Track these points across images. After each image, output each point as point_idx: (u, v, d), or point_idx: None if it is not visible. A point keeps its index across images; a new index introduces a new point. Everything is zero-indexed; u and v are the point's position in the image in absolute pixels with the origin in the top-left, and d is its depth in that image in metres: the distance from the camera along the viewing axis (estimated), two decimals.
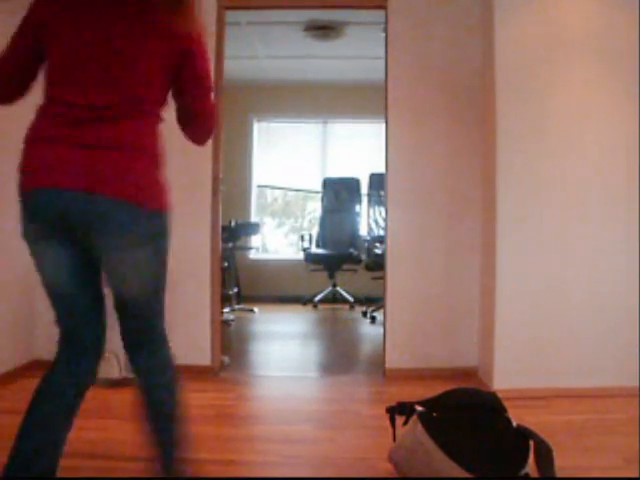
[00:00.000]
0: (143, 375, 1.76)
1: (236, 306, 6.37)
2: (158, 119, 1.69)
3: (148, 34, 1.59)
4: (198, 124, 1.76)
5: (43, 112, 1.63)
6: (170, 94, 1.71)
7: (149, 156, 1.63)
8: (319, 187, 7.39)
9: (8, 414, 2.99)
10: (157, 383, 1.76)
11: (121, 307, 1.74)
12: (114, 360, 3.36)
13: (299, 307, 6.74)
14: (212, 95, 1.73)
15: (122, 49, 1.58)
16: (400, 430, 2.27)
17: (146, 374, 1.76)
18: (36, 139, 1.64)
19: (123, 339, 1.79)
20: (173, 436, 1.77)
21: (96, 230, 1.61)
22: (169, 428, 1.77)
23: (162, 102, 1.69)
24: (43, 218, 1.68)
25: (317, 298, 6.75)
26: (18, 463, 1.69)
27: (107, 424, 2.81)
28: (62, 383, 1.83)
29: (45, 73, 1.63)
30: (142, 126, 1.63)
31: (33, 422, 1.76)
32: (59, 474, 2.24)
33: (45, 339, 3.82)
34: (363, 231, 7.10)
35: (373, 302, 6.06)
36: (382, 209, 6.19)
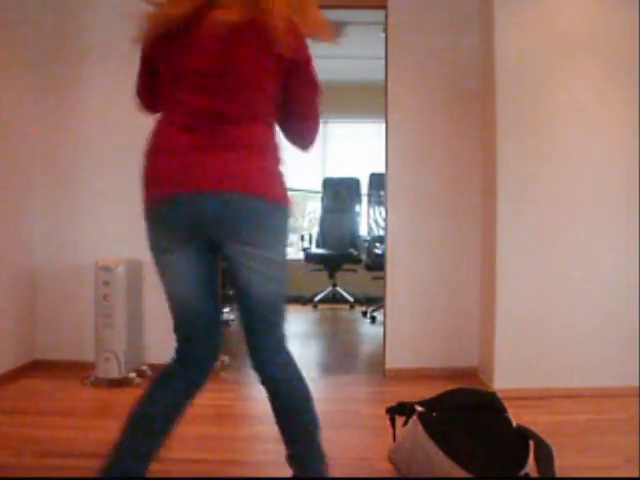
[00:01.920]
0: (271, 376, 1.87)
1: (236, 306, 6.36)
2: (273, 123, 1.77)
3: (261, 51, 1.65)
4: (309, 127, 1.88)
5: (166, 123, 1.71)
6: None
7: (271, 154, 1.73)
8: (319, 187, 7.39)
9: (8, 414, 3.00)
10: (287, 377, 1.90)
11: (250, 308, 1.80)
12: (114, 360, 3.36)
13: (299, 307, 6.74)
14: (319, 104, 1.82)
15: (237, 67, 1.65)
16: (400, 430, 2.27)
17: (276, 373, 1.88)
18: (163, 148, 1.68)
19: (251, 346, 1.85)
20: (313, 426, 1.86)
21: (232, 227, 1.67)
22: (309, 418, 1.86)
23: (275, 109, 1.75)
24: (182, 225, 1.68)
25: (317, 298, 6.75)
26: (116, 468, 1.72)
27: (107, 424, 2.80)
28: (176, 390, 1.81)
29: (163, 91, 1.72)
30: (262, 129, 1.71)
31: (138, 427, 1.77)
32: (59, 474, 2.25)
33: (45, 339, 3.82)
34: (363, 231, 7.09)
35: (373, 302, 6.06)
36: (382, 209, 6.19)
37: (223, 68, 1.63)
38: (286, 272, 1.80)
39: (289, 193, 1.76)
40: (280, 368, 1.86)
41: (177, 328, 1.80)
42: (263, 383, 1.85)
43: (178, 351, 1.81)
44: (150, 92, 1.80)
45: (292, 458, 1.87)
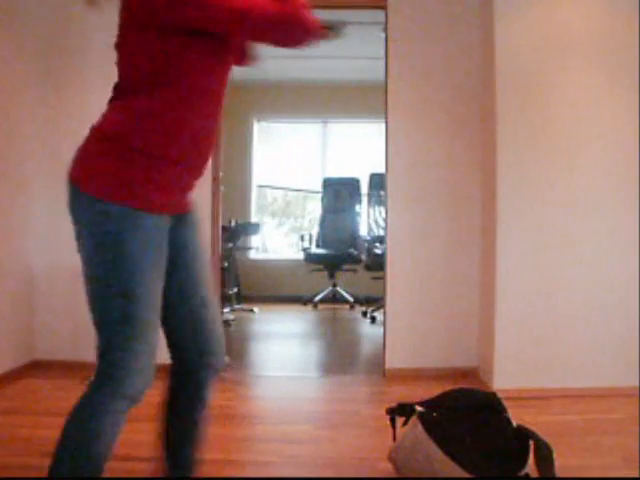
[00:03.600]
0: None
1: (236, 306, 6.37)
2: (141, 103, 1.48)
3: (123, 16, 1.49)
4: (269, 39, 1.53)
5: None
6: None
7: (101, 138, 1.49)
8: (319, 187, 7.39)
9: (8, 414, 3.00)
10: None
11: None
12: None
13: (299, 307, 6.74)
14: (247, 14, 1.42)
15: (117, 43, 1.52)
16: (400, 430, 2.27)
17: None
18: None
19: None
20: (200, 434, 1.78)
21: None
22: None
23: (139, 80, 1.49)
24: None
25: (317, 298, 6.75)
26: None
27: None
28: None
29: None
30: (112, 111, 1.53)
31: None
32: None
33: (45, 339, 3.83)
34: (363, 231, 7.10)
35: (373, 302, 6.06)
36: (382, 209, 6.19)
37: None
38: (92, 282, 1.51)
39: (108, 183, 1.45)
40: None
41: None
42: None
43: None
44: None
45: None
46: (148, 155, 1.47)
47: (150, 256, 1.48)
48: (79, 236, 1.49)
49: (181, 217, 1.64)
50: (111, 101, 1.56)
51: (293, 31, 1.51)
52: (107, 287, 1.48)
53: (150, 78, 1.47)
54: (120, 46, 1.50)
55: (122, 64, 1.51)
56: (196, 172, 1.60)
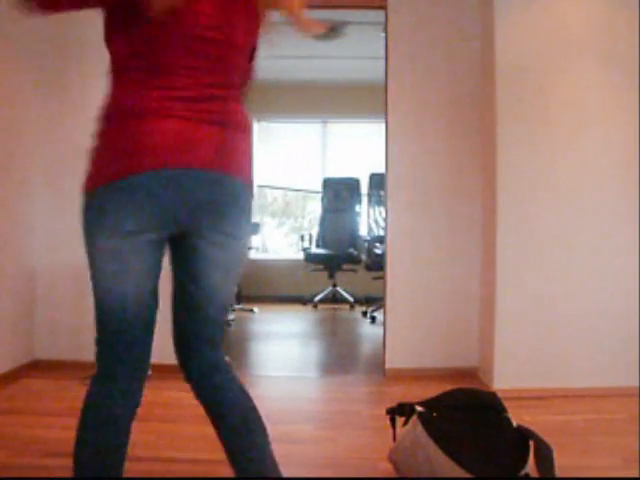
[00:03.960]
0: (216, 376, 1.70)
1: (236, 306, 6.37)
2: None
3: (253, 17, 1.57)
4: None
5: (140, 84, 1.42)
6: None
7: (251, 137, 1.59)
8: (319, 187, 7.39)
9: (8, 414, 3.00)
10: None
11: (204, 304, 1.58)
12: None
13: (299, 307, 6.74)
14: None
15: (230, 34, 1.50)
16: (400, 430, 2.27)
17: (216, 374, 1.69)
18: (144, 113, 1.40)
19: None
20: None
21: (222, 216, 1.49)
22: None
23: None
24: (159, 205, 1.40)
25: (317, 298, 6.75)
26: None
27: None
28: (122, 407, 1.51)
29: (135, 40, 1.43)
30: (243, 108, 1.57)
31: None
32: (58, 474, 2.24)
33: (45, 339, 3.83)
34: (363, 231, 7.10)
35: (373, 302, 6.06)
36: (382, 209, 6.19)
37: (220, 34, 1.47)
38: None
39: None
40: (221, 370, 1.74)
41: (120, 331, 1.53)
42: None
43: (118, 358, 1.55)
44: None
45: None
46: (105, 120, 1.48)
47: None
48: (246, 235, 1.61)
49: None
50: None
51: None
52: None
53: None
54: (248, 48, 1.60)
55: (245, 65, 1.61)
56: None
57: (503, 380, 3.35)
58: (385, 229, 3.94)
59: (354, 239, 7.07)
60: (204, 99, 1.45)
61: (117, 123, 1.43)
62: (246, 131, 1.54)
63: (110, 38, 1.49)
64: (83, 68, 3.80)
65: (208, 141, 1.43)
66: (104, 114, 1.48)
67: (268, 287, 7.13)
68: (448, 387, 2.37)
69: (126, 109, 1.42)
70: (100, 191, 1.40)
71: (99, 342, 1.58)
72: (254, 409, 1.65)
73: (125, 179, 1.38)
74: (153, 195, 1.39)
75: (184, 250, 1.52)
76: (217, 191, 1.46)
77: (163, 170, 1.38)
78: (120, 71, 1.47)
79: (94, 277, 1.51)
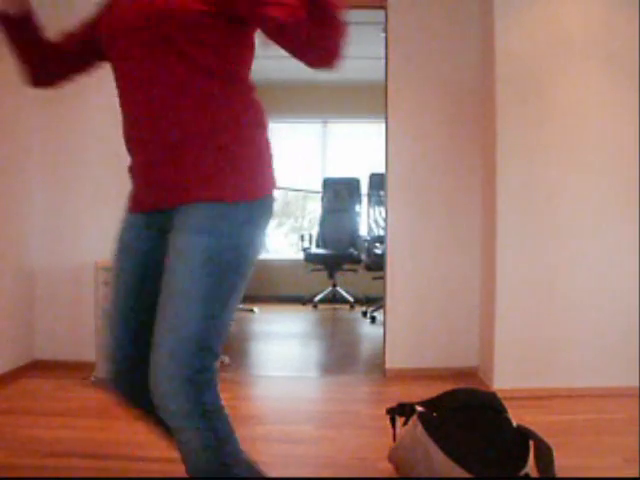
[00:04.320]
0: None
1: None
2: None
3: None
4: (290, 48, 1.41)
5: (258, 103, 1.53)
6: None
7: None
8: (319, 187, 7.39)
9: (8, 414, 3.00)
10: None
11: None
12: None
13: (299, 307, 6.74)
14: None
15: None
16: (400, 430, 2.27)
17: None
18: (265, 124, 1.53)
19: None
20: None
21: None
22: None
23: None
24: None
25: (317, 298, 6.75)
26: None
27: (107, 424, 2.81)
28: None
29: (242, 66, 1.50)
30: None
31: None
32: (59, 474, 2.24)
33: (45, 339, 3.82)
34: (363, 231, 7.09)
35: (373, 302, 6.06)
36: (382, 209, 6.19)
37: None
38: None
39: None
40: None
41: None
42: None
43: None
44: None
45: None
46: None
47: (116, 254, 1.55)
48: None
49: (170, 216, 1.45)
50: None
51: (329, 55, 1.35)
52: None
53: None
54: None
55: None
56: (140, 159, 1.49)
57: (503, 380, 3.35)
58: (385, 229, 3.94)
59: (354, 239, 7.06)
60: None
61: (262, 131, 1.51)
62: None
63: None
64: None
65: None
66: (249, 120, 1.48)
67: (268, 287, 7.13)
68: (448, 387, 2.37)
69: (257, 119, 1.50)
70: (263, 201, 1.48)
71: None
72: None
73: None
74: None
75: None
76: None
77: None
78: (235, 81, 1.48)
79: (232, 296, 1.46)
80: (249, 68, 1.51)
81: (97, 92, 3.76)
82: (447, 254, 3.82)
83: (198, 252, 1.36)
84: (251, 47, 1.52)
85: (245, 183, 1.42)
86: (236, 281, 1.41)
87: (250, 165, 1.44)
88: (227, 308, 1.43)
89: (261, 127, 1.50)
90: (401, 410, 2.28)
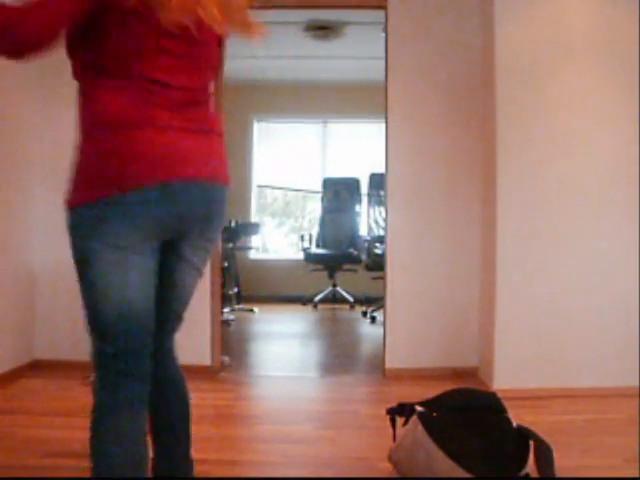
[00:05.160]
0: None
1: (236, 306, 6.37)
2: None
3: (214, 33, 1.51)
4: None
5: (120, 92, 1.39)
6: None
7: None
8: (319, 187, 7.39)
9: (8, 414, 3.00)
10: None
11: (174, 308, 1.65)
12: None
13: (299, 307, 6.74)
14: None
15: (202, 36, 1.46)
16: (400, 430, 2.27)
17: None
18: (131, 124, 1.38)
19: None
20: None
21: (215, 223, 1.60)
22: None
23: None
24: (159, 217, 1.42)
25: (317, 298, 6.75)
26: None
27: None
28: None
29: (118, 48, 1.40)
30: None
31: None
32: (59, 474, 2.24)
33: (45, 339, 3.83)
34: (363, 231, 7.10)
35: (373, 302, 6.06)
36: (382, 209, 6.19)
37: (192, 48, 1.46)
38: None
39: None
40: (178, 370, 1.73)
41: (126, 341, 1.52)
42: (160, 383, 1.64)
43: (123, 367, 1.55)
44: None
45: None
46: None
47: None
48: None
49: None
50: None
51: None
52: None
53: None
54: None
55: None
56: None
57: (503, 380, 3.35)
58: (385, 229, 3.94)
59: (354, 239, 7.07)
60: (187, 104, 1.46)
61: (105, 134, 1.38)
62: (222, 135, 1.60)
63: (78, 45, 1.44)
64: None
65: (199, 152, 1.47)
66: (89, 123, 1.42)
67: (268, 287, 7.13)
68: (448, 387, 2.37)
69: (112, 119, 1.38)
70: (96, 204, 1.38)
71: (101, 352, 1.61)
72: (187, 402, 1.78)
73: (122, 195, 1.36)
74: (150, 210, 1.39)
75: (168, 255, 1.54)
76: (208, 201, 1.53)
77: (158, 185, 1.39)
78: (93, 78, 1.42)
79: (92, 288, 1.45)
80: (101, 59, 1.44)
81: None
82: (447, 254, 3.82)
83: None
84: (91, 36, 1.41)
85: (74, 187, 1.43)
86: (81, 276, 1.46)
87: (81, 170, 1.42)
88: (85, 297, 1.48)
89: (101, 130, 1.40)
90: (401, 410, 2.28)
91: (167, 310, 1.61)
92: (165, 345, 1.68)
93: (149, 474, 1.58)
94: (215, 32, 1.48)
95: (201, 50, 1.49)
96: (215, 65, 1.59)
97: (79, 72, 1.46)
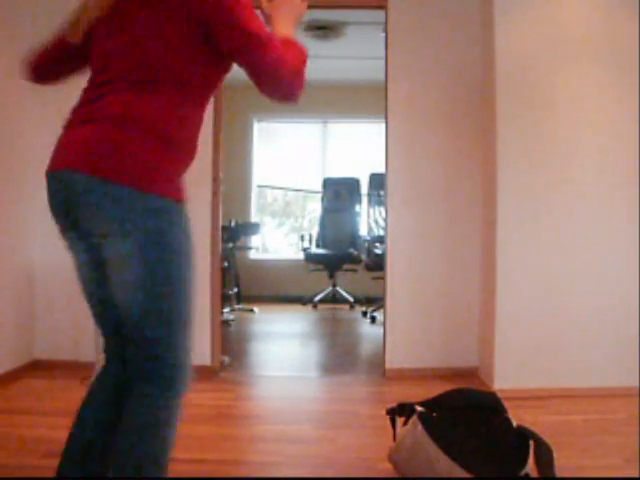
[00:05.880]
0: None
1: (236, 306, 6.37)
2: (172, 95, 1.47)
3: (159, 12, 1.45)
4: (261, 82, 1.45)
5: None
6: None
7: (142, 129, 1.41)
8: (319, 187, 7.39)
9: (8, 414, 3.00)
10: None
11: (108, 305, 1.56)
12: None
13: (299, 307, 6.74)
14: (261, 45, 1.42)
15: (133, 29, 1.47)
16: (400, 430, 2.27)
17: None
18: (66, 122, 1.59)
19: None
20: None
21: (79, 214, 1.49)
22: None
23: (178, 78, 1.48)
24: (53, 206, 1.60)
25: (317, 298, 6.75)
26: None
27: None
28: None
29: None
30: (141, 99, 1.44)
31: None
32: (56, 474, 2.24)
33: (45, 339, 3.82)
34: (363, 231, 7.10)
35: (373, 302, 6.06)
36: (382, 209, 6.19)
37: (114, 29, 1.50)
38: (157, 288, 1.45)
39: (163, 180, 1.45)
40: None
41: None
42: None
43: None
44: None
45: None
46: (177, 145, 1.49)
47: (190, 249, 1.51)
48: (113, 233, 1.42)
49: None
50: (116, 87, 1.47)
51: (289, 89, 1.49)
52: (169, 286, 1.46)
53: (178, 74, 1.48)
54: (150, 37, 1.46)
55: (152, 54, 1.46)
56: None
57: (503, 380, 3.35)
58: (385, 229, 3.94)
59: (354, 239, 7.07)
60: (92, 100, 1.51)
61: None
62: (108, 121, 1.43)
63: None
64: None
65: (66, 143, 1.49)
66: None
67: (268, 287, 7.13)
68: (448, 387, 2.37)
69: None
70: None
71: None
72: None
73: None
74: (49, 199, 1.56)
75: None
76: (65, 191, 1.48)
77: (48, 174, 1.52)
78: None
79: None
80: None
81: None
82: (447, 254, 3.82)
83: None
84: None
85: None
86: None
87: None
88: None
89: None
90: (401, 410, 2.28)
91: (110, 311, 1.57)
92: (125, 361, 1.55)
93: None
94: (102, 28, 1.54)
95: (103, 46, 1.53)
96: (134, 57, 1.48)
97: None
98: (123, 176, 1.39)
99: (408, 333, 3.82)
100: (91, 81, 1.56)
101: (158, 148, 1.43)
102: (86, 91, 1.56)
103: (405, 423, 2.24)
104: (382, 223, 6.10)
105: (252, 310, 6.42)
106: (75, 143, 1.45)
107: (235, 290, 6.47)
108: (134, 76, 1.46)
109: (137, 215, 1.40)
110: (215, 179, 3.78)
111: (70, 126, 1.52)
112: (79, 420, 1.59)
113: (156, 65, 1.46)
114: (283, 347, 4.90)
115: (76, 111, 1.54)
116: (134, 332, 1.48)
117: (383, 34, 3.91)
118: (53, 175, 1.49)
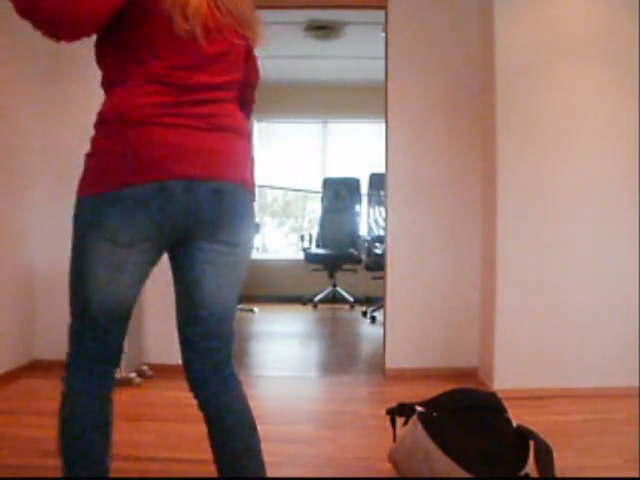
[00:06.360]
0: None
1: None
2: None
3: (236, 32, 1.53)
4: (249, 111, 1.72)
5: (133, 89, 1.43)
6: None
7: (250, 141, 1.59)
8: (319, 187, 7.39)
9: (8, 414, 3.00)
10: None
11: (202, 311, 1.57)
12: None
13: (299, 307, 6.74)
14: None
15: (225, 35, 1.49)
16: (400, 430, 2.27)
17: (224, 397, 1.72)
18: (140, 120, 1.39)
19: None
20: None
21: (225, 224, 1.50)
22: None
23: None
24: (156, 217, 1.40)
25: (317, 298, 6.75)
26: None
27: None
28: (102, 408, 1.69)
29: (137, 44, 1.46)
30: (239, 111, 1.59)
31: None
32: (57, 474, 2.24)
33: (45, 339, 3.83)
34: (363, 231, 7.10)
35: (373, 302, 6.06)
36: (382, 209, 6.19)
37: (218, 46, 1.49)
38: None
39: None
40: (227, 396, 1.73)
41: (100, 330, 1.54)
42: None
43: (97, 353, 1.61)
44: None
45: None
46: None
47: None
48: (249, 239, 1.61)
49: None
50: None
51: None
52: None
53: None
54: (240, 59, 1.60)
55: (239, 75, 1.59)
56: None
57: (503, 380, 3.35)
58: (385, 229, 3.94)
59: (354, 239, 7.07)
60: (199, 103, 1.44)
61: (115, 130, 1.43)
62: (244, 134, 1.53)
63: (103, 49, 1.58)
64: (83, 69, 3.79)
65: (207, 150, 1.43)
66: (100, 119, 1.50)
67: (268, 287, 7.13)
68: (448, 387, 2.37)
69: (123, 116, 1.42)
70: (99, 198, 1.40)
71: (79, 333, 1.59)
72: (250, 416, 1.78)
73: (124, 190, 1.38)
74: (152, 208, 1.38)
75: (181, 258, 1.53)
76: (215, 201, 1.45)
77: (162, 183, 1.38)
78: (115, 77, 1.50)
79: (81, 278, 1.47)
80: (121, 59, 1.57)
81: (98, 95, 3.76)
82: (447, 254, 3.82)
83: None
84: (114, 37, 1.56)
85: (83, 179, 1.47)
86: (73, 262, 1.48)
87: (90, 162, 1.48)
88: (73, 283, 1.50)
89: (110, 126, 1.47)
90: (401, 410, 2.28)
91: (193, 315, 1.56)
92: (206, 360, 1.62)
93: None
94: (231, 37, 1.51)
95: (213, 51, 1.47)
96: (236, 66, 1.55)
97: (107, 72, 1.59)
98: (254, 188, 1.58)
99: (408, 333, 3.82)
100: (179, 71, 1.43)
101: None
102: (179, 83, 1.42)
103: (405, 423, 2.24)
104: (382, 223, 6.11)
105: (252, 310, 6.42)
106: (219, 153, 1.46)
107: (238, 295, 6.45)
108: (234, 91, 1.56)
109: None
110: None
111: (189, 128, 1.41)
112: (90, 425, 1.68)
113: (238, 86, 1.59)
114: (283, 347, 4.90)
115: (184, 108, 1.41)
116: (226, 328, 1.62)
117: (383, 34, 3.91)
118: (192, 182, 1.41)
